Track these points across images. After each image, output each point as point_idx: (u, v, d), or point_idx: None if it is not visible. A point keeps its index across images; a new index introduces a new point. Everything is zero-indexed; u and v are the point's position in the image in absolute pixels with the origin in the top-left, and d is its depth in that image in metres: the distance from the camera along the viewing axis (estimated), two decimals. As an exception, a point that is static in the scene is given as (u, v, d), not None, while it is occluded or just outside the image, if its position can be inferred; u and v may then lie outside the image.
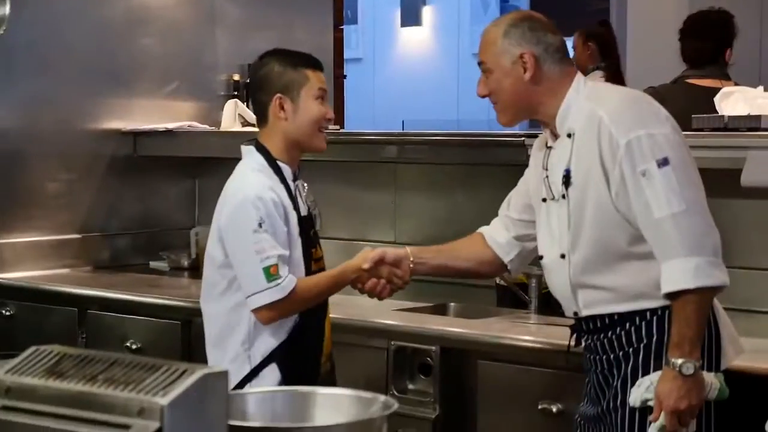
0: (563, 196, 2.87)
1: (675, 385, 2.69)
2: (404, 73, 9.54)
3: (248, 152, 3.27)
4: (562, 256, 2.88)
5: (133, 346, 4.27)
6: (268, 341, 3.21)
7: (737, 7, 7.10)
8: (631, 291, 2.82)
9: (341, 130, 5.63)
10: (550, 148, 2.95)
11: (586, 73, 6.84)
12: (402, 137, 4.98)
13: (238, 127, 5.18)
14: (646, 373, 2.80)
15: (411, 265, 3.20)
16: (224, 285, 3.20)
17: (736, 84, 4.62)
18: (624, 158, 2.74)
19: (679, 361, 2.68)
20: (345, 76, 6.42)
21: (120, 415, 1.64)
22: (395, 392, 3.65)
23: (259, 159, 3.24)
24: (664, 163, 2.71)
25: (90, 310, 4.45)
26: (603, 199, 2.79)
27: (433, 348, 3.61)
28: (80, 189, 4.98)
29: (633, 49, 7.79)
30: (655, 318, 2.81)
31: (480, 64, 2.97)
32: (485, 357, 3.55)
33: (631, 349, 2.83)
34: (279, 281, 3.10)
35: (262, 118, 3.29)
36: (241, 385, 3.16)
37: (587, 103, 2.86)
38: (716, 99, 4.03)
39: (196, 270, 4.87)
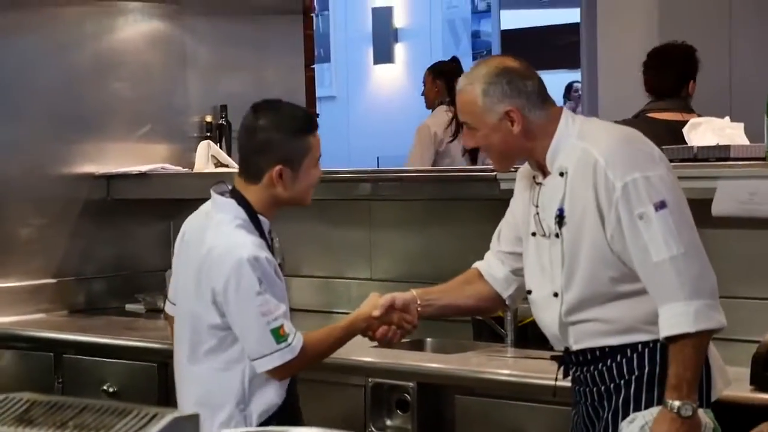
0: (556, 235, 2.86)
1: (673, 427, 2.70)
2: (378, 109, 9.59)
3: (228, 205, 3.15)
4: (555, 295, 2.88)
5: (110, 390, 4.25)
6: (267, 400, 3.13)
7: (706, 38, 7.17)
8: (623, 325, 2.82)
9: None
10: (539, 184, 2.94)
11: (433, 107, 7.02)
12: (375, 174, 5.00)
13: (211, 168, 5.18)
14: (637, 404, 2.80)
15: (419, 309, 3.18)
16: (213, 343, 3.12)
17: (699, 116, 4.66)
18: (620, 201, 2.74)
19: (677, 403, 2.69)
20: (318, 115, 6.43)
21: (91, 462, 1.64)
22: (373, 429, 3.65)
23: (241, 213, 3.14)
24: (661, 206, 2.72)
25: (66, 355, 4.43)
26: (598, 240, 2.79)
27: (411, 384, 3.61)
28: (54, 233, 4.96)
29: (603, 82, 7.84)
30: (647, 350, 2.81)
31: (463, 122, 2.96)
32: (463, 392, 3.55)
33: (622, 381, 2.83)
34: (288, 341, 3.05)
35: (254, 179, 3.17)
36: None
37: (579, 142, 2.85)
38: (684, 130, 4.06)
39: (172, 312, 4.87)
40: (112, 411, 1.71)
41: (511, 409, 3.44)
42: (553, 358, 3.02)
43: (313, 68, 6.10)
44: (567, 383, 2.99)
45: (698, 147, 3.86)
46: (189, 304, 3.17)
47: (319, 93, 6.85)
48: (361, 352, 3.84)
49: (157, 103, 5.29)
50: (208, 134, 5.37)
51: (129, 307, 5.01)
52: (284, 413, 3.14)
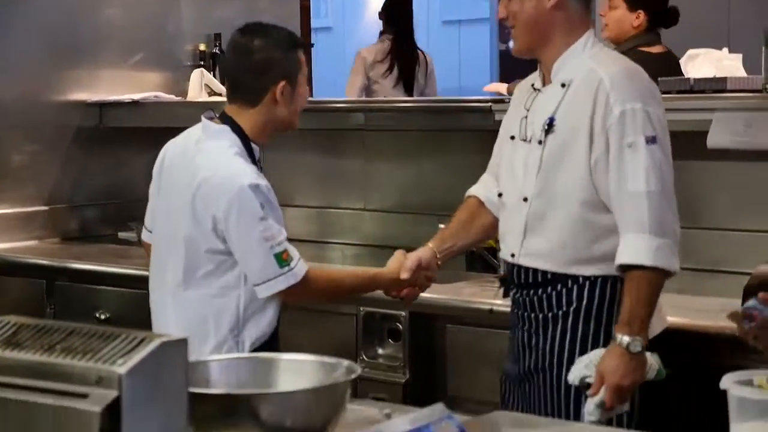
0: (539, 142, 2.84)
1: (621, 362, 2.69)
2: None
3: (222, 132, 3.12)
4: (525, 200, 2.87)
5: (102, 317, 4.26)
6: (260, 327, 3.11)
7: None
8: (573, 254, 2.81)
9: (309, 99, 5.61)
10: (537, 90, 2.92)
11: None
12: (368, 104, 4.97)
13: (204, 97, 5.15)
14: (573, 336, 2.81)
15: (438, 263, 3.16)
16: (210, 268, 3.09)
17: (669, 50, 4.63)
18: (614, 126, 2.73)
19: (627, 338, 2.68)
20: (312, 45, 6.39)
21: (78, 384, 1.63)
22: (365, 358, 3.66)
23: (236, 140, 3.12)
24: (652, 141, 2.73)
25: (58, 282, 4.44)
26: (581, 159, 2.77)
27: (402, 313, 3.62)
28: (46, 161, 4.94)
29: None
30: (587, 283, 2.81)
31: None
32: (454, 321, 3.57)
33: (560, 312, 2.83)
34: (291, 266, 3.03)
35: (251, 102, 3.13)
36: None
37: (590, 61, 2.83)
38: (682, 61, 4.03)
39: (164, 240, 4.87)
40: (99, 335, 1.71)
41: (502, 339, 3.44)
42: (499, 279, 3.05)
43: (308, -3, 6.05)
44: (507, 304, 3.02)
45: (695, 79, 3.83)
46: (182, 229, 3.13)
47: (314, 24, 6.81)
48: (353, 281, 3.84)
49: (150, 31, 5.25)
50: (202, 63, 5.33)
51: (121, 234, 5.00)
52: (273, 341, 3.15)
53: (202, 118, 3.20)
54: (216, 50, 5.40)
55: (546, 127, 2.83)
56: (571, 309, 2.82)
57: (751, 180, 3.79)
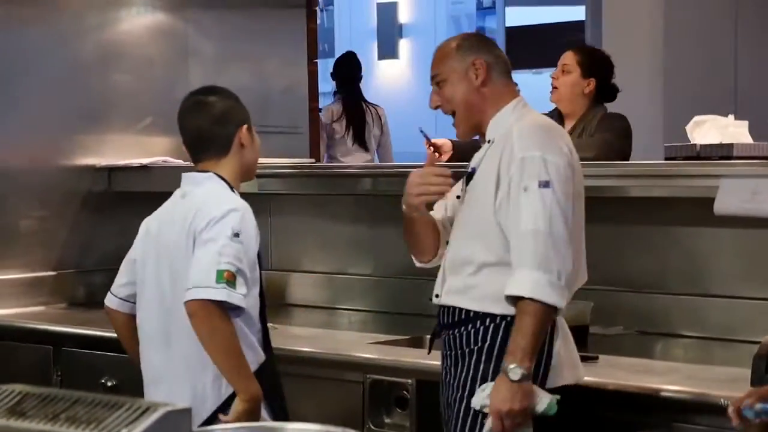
0: (461, 191, 3.15)
1: (503, 388, 2.88)
2: (382, 105, 9.54)
3: (209, 177, 3.29)
4: (446, 243, 3.17)
5: (109, 384, 4.23)
6: (250, 357, 3.16)
7: (712, 36, 7.16)
8: (482, 293, 3.02)
9: (316, 164, 5.64)
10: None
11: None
12: (376, 170, 4.98)
13: (212, 162, 5.16)
14: (476, 374, 3.00)
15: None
16: None
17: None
18: (515, 171, 2.97)
19: (510, 366, 2.86)
20: (320, 110, 6.43)
21: (82, 455, 1.62)
22: (371, 426, 3.63)
23: (224, 184, 3.28)
24: (545, 185, 2.94)
25: (65, 348, 4.42)
26: (487, 204, 3.01)
27: (409, 381, 3.59)
28: (55, 226, 4.95)
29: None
30: (492, 325, 3.00)
31: (433, 78, 3.19)
32: (461, 389, 3.53)
33: (467, 350, 3.04)
34: (228, 288, 3.05)
35: (222, 150, 3.30)
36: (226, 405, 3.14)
37: (513, 120, 3.10)
38: (688, 128, 4.05)
39: (171, 306, 4.85)
40: (104, 404, 1.70)
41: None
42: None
43: (316, 62, 6.08)
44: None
45: (701, 145, 3.84)
46: (181, 265, 3.19)
47: (323, 88, 6.83)
48: (359, 348, 3.83)
49: (159, 96, 5.28)
50: (210, 128, 5.34)
51: (129, 300, 4.98)
52: (271, 365, 3.24)
53: (183, 176, 3.36)
54: (224, 116, 5.42)
55: (466, 178, 3.15)
56: (476, 348, 3.02)
57: (759, 247, 3.79)
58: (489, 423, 2.91)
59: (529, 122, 3.08)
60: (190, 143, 3.37)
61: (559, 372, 3.02)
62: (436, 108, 3.20)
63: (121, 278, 3.49)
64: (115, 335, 4.32)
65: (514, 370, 2.85)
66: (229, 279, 3.06)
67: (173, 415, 1.67)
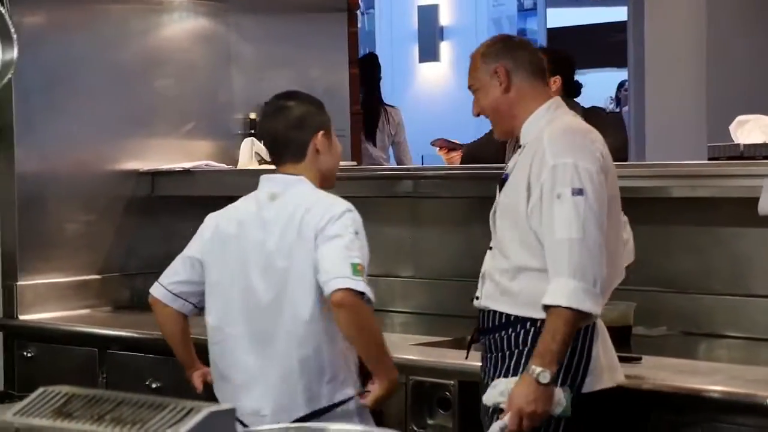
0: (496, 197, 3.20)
1: (529, 389, 2.89)
2: (423, 108, 9.58)
3: (301, 181, 3.31)
4: (490, 248, 3.19)
5: (154, 385, 4.26)
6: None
7: (754, 34, 7.10)
8: (523, 298, 3.03)
9: (358, 166, 5.65)
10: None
11: None
12: (418, 172, 4.98)
13: (255, 165, 5.19)
14: (515, 376, 2.99)
15: None
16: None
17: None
18: (547, 179, 2.98)
19: (538, 369, 2.88)
20: (362, 113, 6.44)
21: (127, 455, 1.64)
22: (414, 427, 3.63)
23: (316, 189, 3.32)
24: (579, 193, 2.94)
25: (110, 350, 4.46)
26: (521, 211, 3.03)
27: (452, 382, 3.59)
28: (99, 230, 5.00)
29: (650, 80, 7.78)
30: (533, 329, 3.02)
31: (469, 87, 3.23)
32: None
33: (508, 352, 3.07)
34: (364, 281, 3.10)
35: (299, 155, 3.33)
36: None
37: (544, 125, 3.11)
38: (731, 127, 4.02)
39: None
40: (149, 405, 1.72)
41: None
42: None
43: (358, 66, 6.10)
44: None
45: (745, 144, 3.82)
46: (296, 270, 3.19)
47: (364, 91, 6.85)
48: (402, 350, 3.83)
49: (201, 100, 5.32)
50: (252, 131, 5.38)
51: (173, 303, 5.02)
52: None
53: (265, 178, 3.36)
54: (266, 119, 5.45)
55: (500, 183, 3.17)
56: (517, 351, 3.05)
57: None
58: (503, 421, 2.91)
59: (560, 126, 3.09)
60: (268, 147, 3.45)
61: (598, 376, 3.02)
62: (477, 115, 3.25)
63: (176, 275, 3.49)
64: (159, 336, 4.37)
65: (544, 373, 2.87)
66: (361, 272, 3.11)
67: (217, 415, 1.68)
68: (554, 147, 3.00)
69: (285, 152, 3.35)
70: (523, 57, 3.17)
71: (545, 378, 2.87)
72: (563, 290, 2.90)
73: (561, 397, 2.93)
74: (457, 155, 4.59)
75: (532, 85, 3.16)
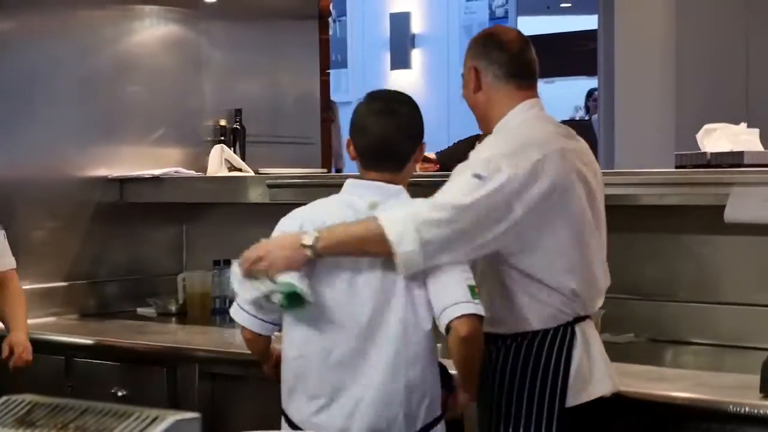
0: None
1: (286, 240, 2.93)
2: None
3: (402, 191, 3.03)
4: None
5: (120, 394, 4.24)
6: None
7: (724, 44, 7.15)
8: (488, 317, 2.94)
9: (328, 173, 5.65)
10: None
11: None
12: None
13: (224, 173, 5.18)
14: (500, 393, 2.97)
15: None
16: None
17: None
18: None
19: (308, 233, 2.90)
20: (332, 120, 6.44)
21: (90, 464, 1.63)
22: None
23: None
24: (478, 177, 2.89)
25: (77, 358, 4.43)
26: None
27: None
28: (66, 237, 4.97)
29: (620, 88, 7.82)
30: (503, 347, 3.00)
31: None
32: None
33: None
34: (479, 303, 2.89)
35: (402, 164, 3.07)
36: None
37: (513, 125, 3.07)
38: (698, 136, 4.04)
39: (183, 315, 4.87)
40: (113, 413, 1.71)
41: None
42: None
43: (328, 73, 6.10)
44: None
45: (712, 153, 3.84)
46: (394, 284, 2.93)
47: (335, 98, 6.86)
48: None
49: (171, 107, 5.30)
50: (222, 138, 5.37)
51: (140, 310, 5.00)
52: None
53: (356, 183, 3.07)
54: (236, 125, 5.45)
55: None
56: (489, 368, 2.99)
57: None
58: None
59: (514, 130, 3.03)
60: (368, 149, 3.06)
61: (581, 388, 2.94)
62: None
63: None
64: (125, 344, 4.35)
65: (308, 236, 2.87)
66: (476, 292, 2.90)
67: (183, 423, 1.68)
68: (489, 140, 3.04)
69: (388, 158, 3.03)
70: (498, 58, 3.08)
71: (308, 239, 2.86)
72: (397, 212, 2.87)
73: (291, 279, 2.83)
74: (430, 166, 4.57)
75: (505, 88, 3.07)
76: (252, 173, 5.20)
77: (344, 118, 9.52)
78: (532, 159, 2.91)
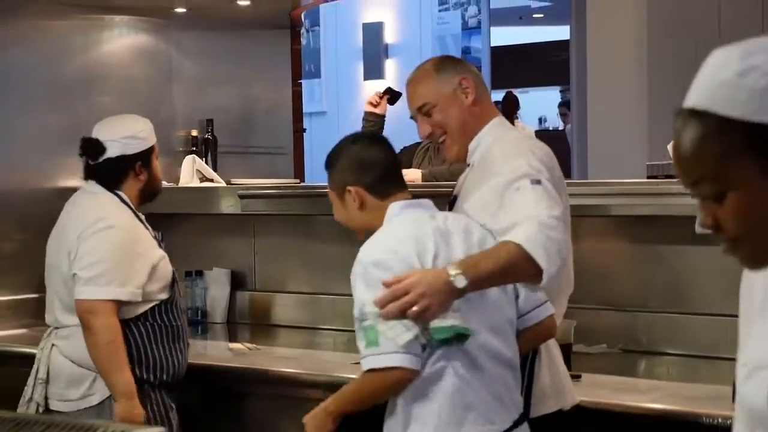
0: None
1: (438, 281, 2.58)
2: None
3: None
4: None
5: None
6: None
7: (696, 55, 7.17)
8: None
9: (300, 184, 5.63)
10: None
11: None
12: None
13: (196, 183, 5.16)
14: None
15: None
16: None
17: None
18: (500, 182, 2.88)
19: (456, 270, 2.58)
20: (305, 130, 6.43)
21: (55, 480, 1.61)
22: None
23: None
24: (537, 183, 2.84)
25: (47, 371, 4.39)
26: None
27: (393, 401, 3.56)
28: (37, 248, 4.90)
29: (593, 97, 7.84)
30: None
31: (420, 108, 3.07)
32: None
33: None
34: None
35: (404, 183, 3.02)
36: None
37: (491, 141, 3.05)
38: (669, 147, 4.05)
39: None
40: (78, 428, 1.68)
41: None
42: None
43: (301, 83, 6.09)
44: None
45: (683, 164, 3.84)
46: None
47: (309, 108, 6.86)
48: (344, 369, 3.81)
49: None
50: (194, 148, 5.35)
51: (112, 322, 4.95)
52: None
53: (420, 203, 2.93)
54: (208, 136, 5.43)
55: (449, 206, 3.12)
56: None
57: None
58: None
59: (507, 139, 3.05)
60: (384, 174, 2.96)
61: (541, 401, 2.94)
62: (427, 137, 3.10)
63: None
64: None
65: (460, 277, 2.56)
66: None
67: (147, 438, 1.66)
68: (504, 154, 2.93)
69: (400, 179, 2.98)
70: (475, 72, 3.12)
71: (461, 282, 2.56)
72: (525, 232, 2.67)
73: (454, 321, 2.63)
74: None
75: (488, 99, 3.12)
76: (224, 184, 5.18)
77: (318, 129, 9.46)
78: (543, 159, 2.93)
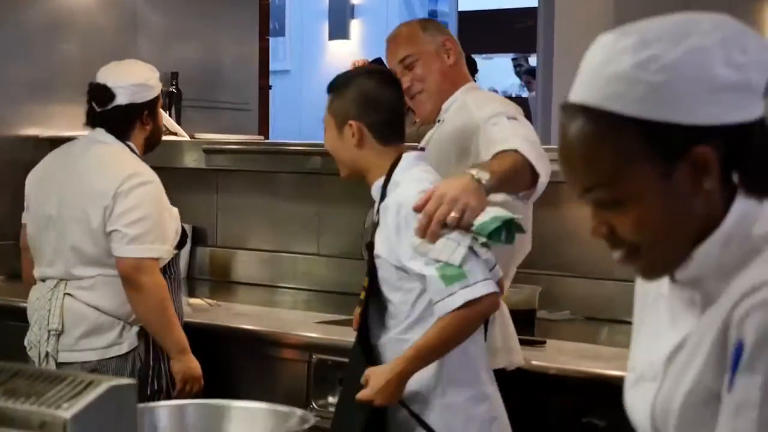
0: None
1: (463, 182, 2.63)
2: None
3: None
4: None
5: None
6: None
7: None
8: None
9: (265, 141, 5.59)
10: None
11: None
12: (323, 149, 4.93)
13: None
14: None
15: None
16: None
17: None
18: (480, 122, 2.97)
19: (476, 170, 2.65)
20: (270, 87, 6.37)
21: (21, 429, 1.57)
22: (315, 406, 3.59)
23: None
24: (513, 118, 2.97)
25: (4, 320, 4.34)
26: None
27: (354, 361, 3.55)
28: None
29: (559, 66, 7.82)
30: None
31: (403, 60, 3.14)
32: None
33: None
34: None
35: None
36: None
37: (463, 99, 3.15)
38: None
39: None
40: (45, 377, 1.64)
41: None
42: None
43: (267, 39, 6.03)
44: None
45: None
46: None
47: (273, 66, 6.79)
48: (305, 327, 3.80)
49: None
50: (158, 101, 5.27)
51: (72, 273, 4.90)
52: None
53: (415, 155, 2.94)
54: (173, 89, 5.35)
55: None
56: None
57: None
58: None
59: (482, 94, 3.21)
60: (391, 121, 2.92)
61: (491, 356, 2.98)
62: (405, 91, 3.03)
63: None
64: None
65: (482, 173, 2.62)
66: None
67: (118, 389, 1.62)
68: (477, 103, 3.05)
69: (403, 129, 2.93)
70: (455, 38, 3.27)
71: (484, 176, 2.61)
72: (520, 144, 2.77)
73: (497, 212, 2.60)
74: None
75: (464, 65, 3.25)
76: (188, 138, 5.12)
77: (281, 87, 9.37)
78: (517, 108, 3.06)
